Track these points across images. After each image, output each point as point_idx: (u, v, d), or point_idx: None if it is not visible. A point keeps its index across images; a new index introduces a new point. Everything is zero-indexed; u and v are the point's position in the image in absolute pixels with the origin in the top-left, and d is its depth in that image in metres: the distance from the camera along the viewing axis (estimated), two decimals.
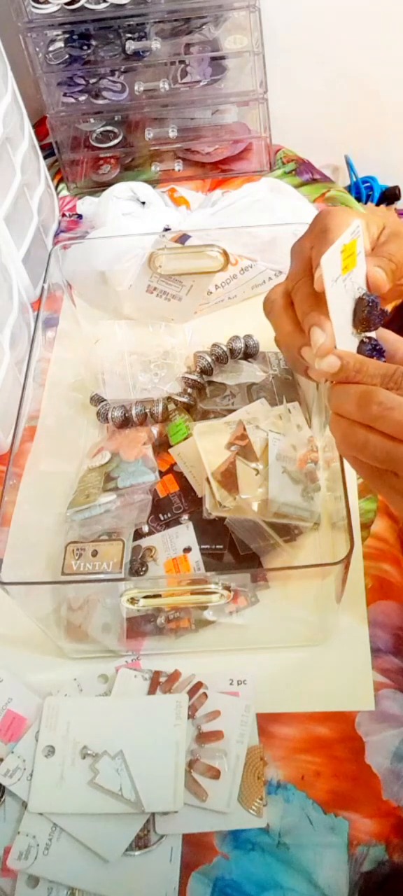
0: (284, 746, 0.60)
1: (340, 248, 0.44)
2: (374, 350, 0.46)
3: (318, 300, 0.45)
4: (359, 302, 0.46)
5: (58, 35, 1.01)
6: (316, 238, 0.47)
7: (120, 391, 0.79)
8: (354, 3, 1.11)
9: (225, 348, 0.80)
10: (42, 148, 1.04)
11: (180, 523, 0.71)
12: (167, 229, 0.91)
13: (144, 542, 0.70)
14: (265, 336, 0.81)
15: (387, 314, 0.47)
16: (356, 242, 0.45)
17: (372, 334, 0.47)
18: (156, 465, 0.74)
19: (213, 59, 1.04)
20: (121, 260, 0.82)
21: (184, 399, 0.78)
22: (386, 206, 1.31)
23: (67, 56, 1.02)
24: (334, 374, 0.45)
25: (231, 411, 0.75)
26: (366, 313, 0.46)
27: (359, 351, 0.47)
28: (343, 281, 0.45)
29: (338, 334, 0.45)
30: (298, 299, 0.47)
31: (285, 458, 0.68)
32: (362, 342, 0.47)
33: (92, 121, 1.10)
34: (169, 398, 0.78)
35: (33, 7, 0.95)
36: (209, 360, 0.79)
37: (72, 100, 1.05)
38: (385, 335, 0.47)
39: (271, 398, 0.76)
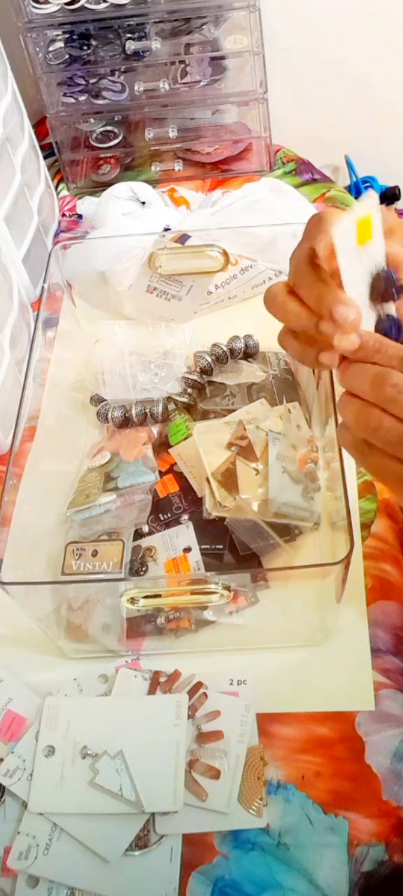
0: (284, 746, 0.60)
1: (354, 218, 0.43)
2: (393, 325, 0.46)
3: (327, 286, 0.45)
4: (377, 275, 0.45)
5: (58, 35, 1.01)
6: (310, 230, 0.46)
7: (120, 391, 0.79)
8: (354, 3, 1.11)
9: (225, 348, 0.80)
10: (42, 148, 1.04)
11: (180, 523, 0.71)
12: (167, 229, 0.91)
13: (144, 542, 0.70)
14: (265, 336, 0.81)
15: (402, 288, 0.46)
16: (371, 216, 0.44)
17: (392, 310, 0.46)
18: (156, 465, 0.74)
19: (213, 59, 1.04)
20: (121, 260, 0.82)
21: (184, 399, 0.78)
22: (386, 206, 1.31)
23: (67, 56, 1.02)
24: (353, 352, 0.45)
25: (231, 411, 0.75)
26: (384, 286, 0.45)
27: (377, 327, 0.46)
28: (358, 253, 0.44)
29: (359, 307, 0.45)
30: (305, 288, 0.47)
31: (285, 458, 0.68)
32: (380, 318, 0.46)
33: (92, 121, 1.10)
34: (169, 398, 0.78)
35: (33, 7, 0.95)
36: (209, 360, 0.79)
37: (72, 100, 1.05)
38: None
39: (271, 398, 0.76)
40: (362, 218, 0.44)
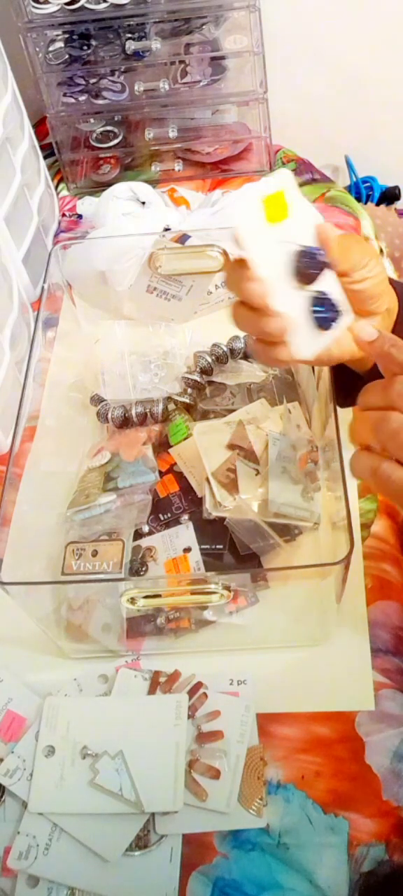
0: (284, 746, 0.60)
1: (259, 197, 0.43)
2: (324, 304, 0.46)
3: (247, 281, 0.46)
4: (295, 255, 0.45)
5: (58, 35, 1.01)
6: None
7: (120, 391, 0.79)
8: (354, 3, 1.11)
9: (225, 348, 0.80)
10: (42, 148, 1.04)
11: (180, 523, 0.71)
12: (167, 229, 0.91)
13: (144, 542, 0.70)
14: None
15: (327, 263, 0.46)
16: (283, 193, 0.44)
17: (325, 286, 0.46)
18: (156, 465, 0.74)
19: (213, 59, 1.04)
20: (121, 260, 0.82)
21: (184, 399, 0.78)
22: (386, 206, 1.31)
23: (67, 56, 1.02)
24: (369, 343, 0.45)
25: (231, 411, 0.75)
26: (304, 266, 0.45)
27: (308, 305, 0.46)
28: (272, 233, 0.44)
29: (275, 289, 0.44)
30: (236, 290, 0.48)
31: (285, 458, 0.68)
32: (311, 299, 0.46)
33: (92, 121, 1.10)
34: (169, 398, 0.78)
35: (33, 7, 0.95)
36: (209, 360, 0.79)
37: (73, 100, 1.05)
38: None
39: (271, 398, 0.76)
40: (268, 196, 0.43)
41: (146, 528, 0.71)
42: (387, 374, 0.46)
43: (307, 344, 0.47)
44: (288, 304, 0.45)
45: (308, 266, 0.45)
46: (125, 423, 0.77)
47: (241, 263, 0.46)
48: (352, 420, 0.48)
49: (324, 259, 0.45)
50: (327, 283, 0.46)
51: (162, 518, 0.71)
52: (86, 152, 1.12)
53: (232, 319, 0.50)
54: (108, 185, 1.00)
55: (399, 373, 0.46)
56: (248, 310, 0.48)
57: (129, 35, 1.00)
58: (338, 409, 0.60)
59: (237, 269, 0.47)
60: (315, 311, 0.46)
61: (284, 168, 0.45)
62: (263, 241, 0.44)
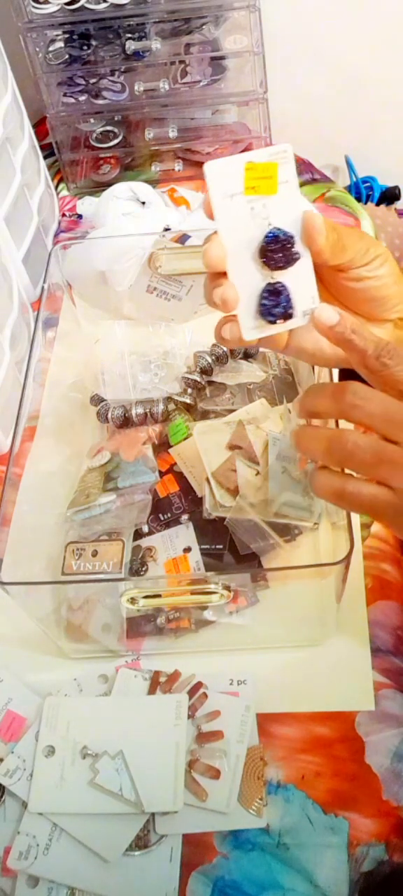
0: (284, 746, 0.60)
1: (242, 161, 0.41)
2: (277, 297, 0.44)
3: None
4: (267, 235, 0.43)
5: (58, 35, 1.01)
6: None
7: (120, 391, 0.79)
8: (354, 3, 1.11)
9: (225, 348, 0.80)
10: (42, 148, 1.04)
11: (180, 523, 0.71)
12: (167, 229, 0.91)
13: (144, 542, 0.70)
14: None
15: (297, 257, 0.44)
16: (276, 166, 0.41)
17: (286, 279, 0.44)
18: (156, 465, 0.74)
19: (213, 59, 1.04)
20: (121, 260, 0.82)
21: (184, 399, 0.78)
22: (386, 206, 1.31)
23: (67, 56, 1.02)
24: (330, 327, 0.44)
25: (231, 411, 0.75)
26: (264, 246, 0.42)
27: (261, 292, 0.44)
28: (249, 202, 0.42)
29: (233, 260, 0.42)
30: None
31: (285, 458, 0.68)
32: (266, 284, 0.44)
33: (92, 121, 1.10)
34: (169, 398, 0.78)
35: (33, 7, 0.95)
36: (209, 360, 0.79)
37: (73, 100, 1.05)
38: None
39: (271, 398, 0.76)
40: (253, 162, 0.41)
41: (146, 528, 0.71)
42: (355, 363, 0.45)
43: (249, 326, 0.45)
44: (244, 281, 0.44)
45: (274, 252, 0.43)
46: (125, 423, 0.77)
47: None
48: (300, 432, 0.46)
49: (296, 252, 0.44)
50: (295, 274, 0.44)
51: (162, 518, 0.71)
52: (86, 152, 1.12)
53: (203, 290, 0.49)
54: (108, 185, 1.00)
55: (358, 363, 0.44)
56: (210, 277, 0.46)
57: (129, 35, 1.00)
58: None
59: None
60: (262, 299, 0.44)
61: (288, 144, 0.42)
62: (234, 208, 0.42)
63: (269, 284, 0.44)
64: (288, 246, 0.43)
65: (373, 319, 0.49)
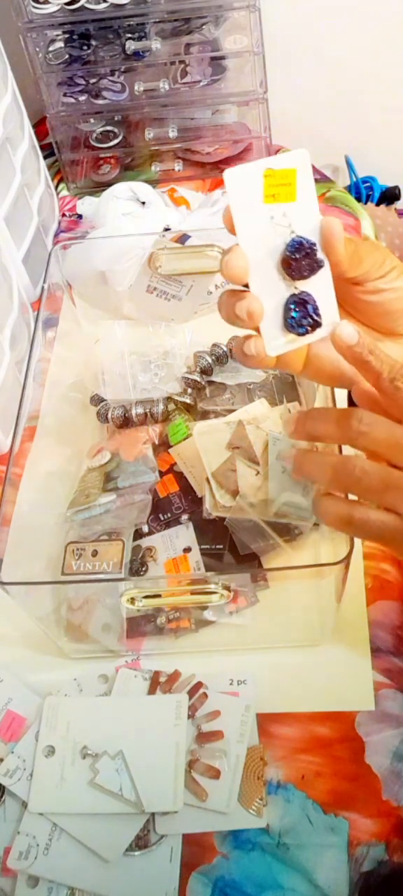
0: (284, 746, 0.60)
1: (261, 168, 0.39)
2: (297, 305, 0.42)
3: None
4: (290, 243, 0.41)
5: (58, 35, 1.01)
6: None
7: (120, 391, 0.79)
8: (354, 3, 1.10)
9: (225, 348, 0.80)
10: (42, 148, 1.04)
11: (180, 523, 0.71)
12: (167, 229, 0.91)
13: (144, 542, 0.70)
14: None
15: (322, 264, 0.43)
16: (295, 172, 0.40)
17: (311, 289, 0.43)
18: (156, 465, 0.74)
19: (213, 59, 1.04)
20: (121, 260, 0.82)
21: (184, 399, 0.78)
22: (386, 206, 1.30)
23: (67, 56, 1.02)
24: (348, 346, 0.43)
25: (231, 411, 0.75)
26: (288, 254, 0.41)
27: (285, 303, 0.43)
28: (269, 210, 0.41)
29: (255, 271, 0.41)
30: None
31: (285, 458, 0.68)
32: (291, 295, 0.43)
33: (92, 121, 1.10)
34: (169, 398, 0.78)
35: (33, 7, 0.95)
36: (209, 360, 0.79)
37: (72, 100, 1.05)
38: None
39: (271, 398, 0.76)
40: (272, 169, 0.40)
41: (146, 528, 0.71)
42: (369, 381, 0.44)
43: (274, 340, 0.44)
44: (267, 293, 0.42)
45: (299, 261, 0.42)
46: (125, 423, 0.77)
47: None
48: (303, 458, 0.45)
49: (321, 259, 0.43)
50: (317, 284, 0.43)
51: (162, 518, 0.71)
52: (86, 152, 1.12)
53: (218, 303, 0.47)
54: (108, 185, 1.00)
55: (373, 384, 0.44)
56: (229, 292, 0.45)
57: (129, 35, 1.00)
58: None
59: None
60: (290, 311, 0.43)
61: (304, 150, 0.41)
62: (254, 217, 0.40)
63: (294, 295, 0.43)
64: (312, 254, 0.42)
65: (389, 334, 0.48)
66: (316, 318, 0.43)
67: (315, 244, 0.43)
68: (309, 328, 0.44)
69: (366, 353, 0.43)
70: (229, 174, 0.40)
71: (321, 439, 0.46)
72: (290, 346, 0.44)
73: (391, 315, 0.47)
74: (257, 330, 0.44)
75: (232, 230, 0.42)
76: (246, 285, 0.43)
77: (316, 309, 0.43)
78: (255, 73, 1.02)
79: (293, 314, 0.43)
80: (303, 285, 0.43)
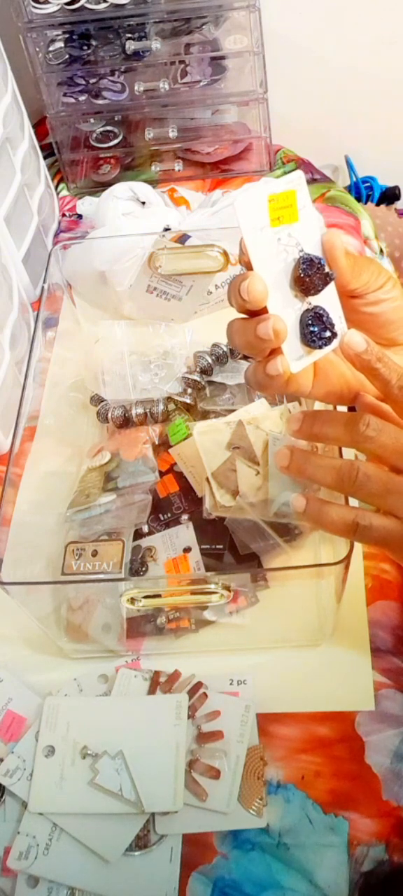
0: (284, 746, 0.60)
1: (265, 193, 0.41)
2: (314, 319, 0.44)
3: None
4: (297, 262, 0.43)
5: (58, 35, 1.01)
6: None
7: (120, 391, 0.79)
8: (354, 3, 1.10)
9: (225, 348, 0.80)
10: (42, 148, 1.04)
11: (180, 523, 0.71)
12: (167, 229, 0.91)
13: (144, 542, 0.70)
14: None
15: (333, 276, 0.44)
16: (295, 194, 0.42)
17: (323, 302, 0.44)
18: (156, 465, 0.74)
19: (213, 59, 1.04)
20: (121, 260, 0.82)
21: (184, 399, 0.78)
22: (386, 206, 1.30)
23: (67, 56, 1.02)
24: (357, 354, 0.44)
25: (231, 411, 0.75)
26: (301, 272, 0.43)
27: (302, 318, 0.44)
28: (276, 233, 0.42)
29: (272, 293, 0.43)
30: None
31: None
32: (306, 311, 0.44)
33: (92, 121, 1.10)
34: (169, 398, 0.78)
35: (33, 7, 0.95)
36: (209, 360, 0.79)
37: (72, 100, 1.05)
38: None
39: (271, 398, 0.76)
40: (275, 194, 0.42)
41: (146, 528, 0.71)
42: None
43: (295, 357, 0.45)
44: (284, 311, 0.44)
45: (312, 276, 0.43)
46: (125, 423, 0.77)
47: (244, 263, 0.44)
48: (305, 460, 0.46)
49: (330, 272, 0.44)
50: (326, 297, 0.45)
51: (162, 518, 0.71)
52: (86, 152, 1.12)
53: (228, 332, 0.48)
54: (108, 185, 1.00)
55: (381, 391, 0.45)
56: (244, 319, 0.46)
57: (129, 35, 1.00)
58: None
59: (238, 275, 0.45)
60: (308, 326, 0.44)
61: (299, 171, 0.43)
62: (264, 241, 0.43)
63: (309, 310, 0.44)
64: (322, 268, 0.44)
65: (390, 345, 0.49)
66: (332, 330, 0.45)
67: (322, 259, 0.44)
68: (327, 341, 0.45)
69: (375, 360, 0.44)
70: (239, 203, 0.41)
71: (326, 441, 0.47)
72: (310, 359, 0.46)
73: (392, 325, 0.48)
74: (271, 353, 0.45)
75: (247, 261, 0.43)
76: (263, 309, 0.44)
77: (330, 322, 0.45)
78: (255, 73, 1.02)
79: (312, 328, 0.44)
80: (315, 300, 0.44)
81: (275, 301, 0.43)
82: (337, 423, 0.45)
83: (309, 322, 0.44)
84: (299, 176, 0.43)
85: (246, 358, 0.81)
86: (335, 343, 0.45)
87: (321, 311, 0.44)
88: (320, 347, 0.45)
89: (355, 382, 0.49)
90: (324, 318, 0.44)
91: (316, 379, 0.49)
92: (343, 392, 0.50)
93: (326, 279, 0.44)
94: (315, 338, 0.44)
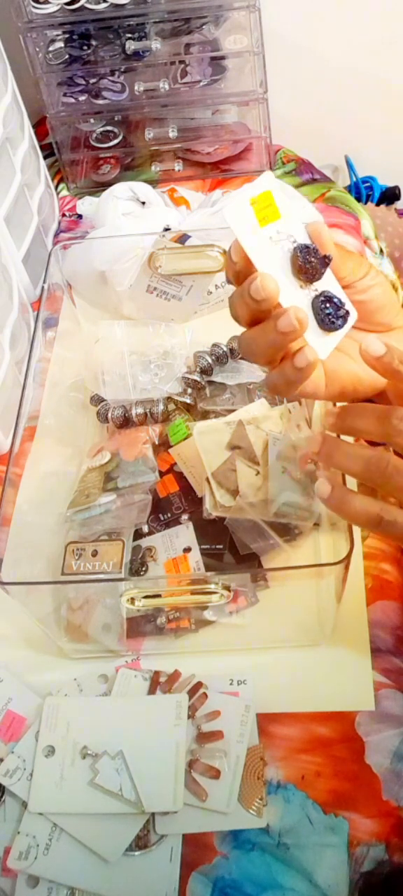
0: (284, 746, 0.60)
1: (247, 199, 0.43)
2: (327, 302, 0.44)
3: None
4: (293, 254, 0.44)
5: (58, 35, 1.01)
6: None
7: (120, 391, 0.79)
8: (354, 3, 1.10)
9: (225, 348, 0.80)
10: (42, 148, 1.04)
11: (180, 523, 0.71)
12: (167, 229, 0.91)
13: (144, 542, 0.70)
14: None
15: (330, 258, 0.45)
16: (271, 194, 0.43)
17: (327, 285, 0.45)
18: (156, 465, 0.74)
19: (213, 59, 1.04)
20: (121, 260, 0.82)
21: (184, 399, 0.78)
22: (386, 206, 1.30)
23: (67, 56, 1.02)
24: (377, 358, 0.44)
25: (231, 411, 0.75)
26: (301, 261, 0.44)
27: (313, 305, 0.45)
28: (266, 232, 0.43)
29: (281, 287, 0.44)
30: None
31: (285, 458, 0.68)
32: (316, 297, 0.45)
33: (92, 121, 1.10)
34: (169, 398, 0.78)
35: (33, 7, 0.95)
36: (209, 360, 0.79)
37: (72, 100, 1.05)
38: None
39: (271, 398, 0.76)
40: (254, 197, 0.43)
41: (146, 528, 0.71)
42: (396, 396, 0.45)
43: (319, 344, 0.45)
44: (295, 302, 0.44)
45: (312, 262, 0.44)
46: (125, 423, 0.77)
47: (247, 266, 0.45)
48: (334, 448, 0.45)
49: (326, 254, 0.45)
50: (327, 282, 0.45)
51: (162, 518, 0.71)
52: (86, 152, 1.12)
53: (243, 346, 0.48)
54: (108, 185, 1.00)
55: None
56: (260, 325, 0.45)
57: (129, 35, 1.00)
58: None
59: (242, 280, 0.45)
60: (322, 310, 0.44)
61: (267, 172, 0.45)
62: (260, 242, 0.43)
63: (318, 295, 0.45)
64: (317, 253, 0.44)
65: (388, 329, 0.49)
66: (345, 308, 0.45)
67: (314, 245, 0.45)
68: (344, 319, 0.45)
69: (396, 363, 0.44)
70: (230, 213, 0.43)
71: (358, 434, 0.46)
72: (333, 341, 0.46)
73: (384, 309, 0.49)
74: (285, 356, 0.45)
75: (236, 271, 0.44)
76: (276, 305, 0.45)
77: (340, 300, 0.45)
78: (255, 73, 1.02)
79: (327, 311, 0.45)
80: (320, 285, 0.45)
81: (286, 294, 0.44)
82: (370, 416, 0.45)
83: (323, 306, 0.44)
84: (268, 176, 0.44)
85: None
86: (350, 321, 0.46)
87: (330, 294, 0.45)
88: (340, 328, 0.45)
89: (366, 376, 0.49)
90: (335, 300, 0.45)
91: (327, 379, 0.49)
92: (357, 388, 0.49)
93: (325, 261, 0.44)
94: (333, 319, 0.45)
